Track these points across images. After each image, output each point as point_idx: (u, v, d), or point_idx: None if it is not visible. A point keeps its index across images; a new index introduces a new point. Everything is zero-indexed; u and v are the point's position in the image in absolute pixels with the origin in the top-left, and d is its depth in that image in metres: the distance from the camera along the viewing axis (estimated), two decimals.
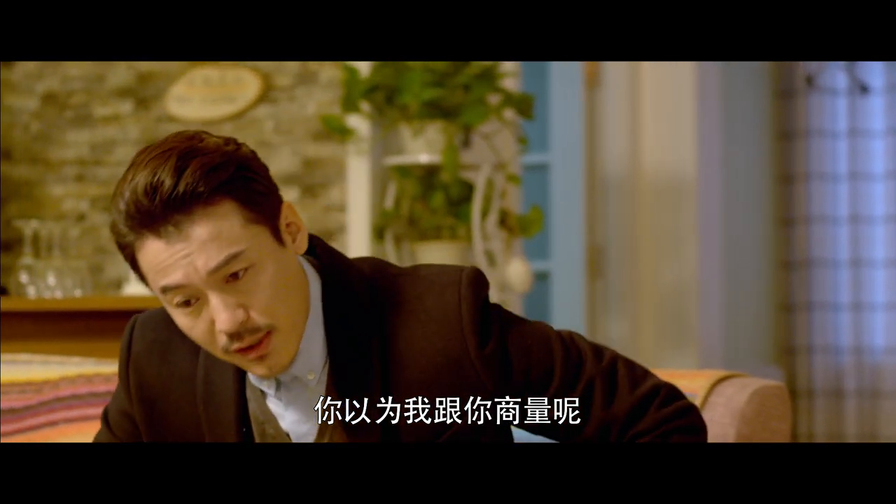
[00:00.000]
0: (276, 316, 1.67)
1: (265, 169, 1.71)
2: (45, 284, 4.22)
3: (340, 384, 1.72)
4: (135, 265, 1.68)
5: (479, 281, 1.75)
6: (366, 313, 1.74)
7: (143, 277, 1.69)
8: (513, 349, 1.73)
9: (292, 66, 4.53)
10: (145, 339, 1.82)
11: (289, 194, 4.31)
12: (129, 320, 1.84)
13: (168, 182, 1.61)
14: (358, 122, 4.31)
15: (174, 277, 1.64)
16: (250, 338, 1.66)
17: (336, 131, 4.31)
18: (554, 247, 5.41)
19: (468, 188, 4.19)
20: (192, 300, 1.66)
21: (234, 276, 1.65)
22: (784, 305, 6.24)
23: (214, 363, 1.76)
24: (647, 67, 5.40)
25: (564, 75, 5.48)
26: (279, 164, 4.45)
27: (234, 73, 4.56)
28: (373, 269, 1.79)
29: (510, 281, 4.22)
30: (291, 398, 1.75)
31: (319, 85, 4.51)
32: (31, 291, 4.22)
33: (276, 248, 1.69)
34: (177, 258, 1.63)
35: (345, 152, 4.40)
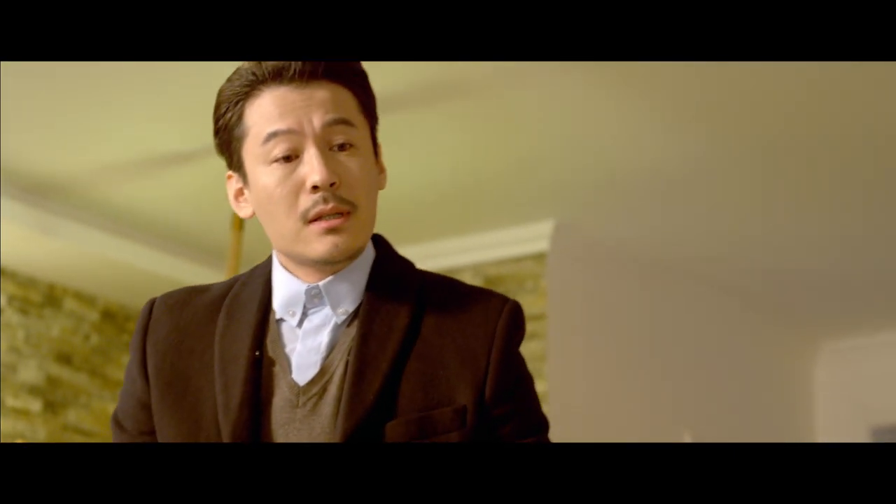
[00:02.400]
0: (360, 200, 1.75)
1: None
2: None
3: (362, 333, 1.74)
4: (238, 122, 1.76)
5: (520, 316, 1.79)
6: (408, 287, 1.79)
7: (238, 139, 1.77)
8: (508, 396, 1.76)
9: None
10: (166, 304, 1.84)
11: None
12: (148, 301, 1.85)
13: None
14: None
15: (287, 121, 1.74)
16: (335, 205, 1.73)
17: None
18: None
19: None
20: (291, 155, 1.74)
21: (340, 146, 1.75)
22: None
23: (245, 291, 1.81)
24: None
25: None
26: None
27: None
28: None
29: None
30: (310, 331, 1.77)
31: None
32: None
33: (371, 153, 1.80)
34: (296, 106, 1.74)
35: None
